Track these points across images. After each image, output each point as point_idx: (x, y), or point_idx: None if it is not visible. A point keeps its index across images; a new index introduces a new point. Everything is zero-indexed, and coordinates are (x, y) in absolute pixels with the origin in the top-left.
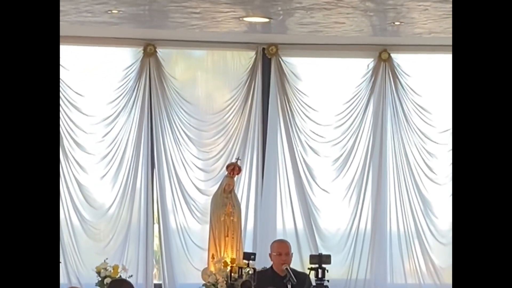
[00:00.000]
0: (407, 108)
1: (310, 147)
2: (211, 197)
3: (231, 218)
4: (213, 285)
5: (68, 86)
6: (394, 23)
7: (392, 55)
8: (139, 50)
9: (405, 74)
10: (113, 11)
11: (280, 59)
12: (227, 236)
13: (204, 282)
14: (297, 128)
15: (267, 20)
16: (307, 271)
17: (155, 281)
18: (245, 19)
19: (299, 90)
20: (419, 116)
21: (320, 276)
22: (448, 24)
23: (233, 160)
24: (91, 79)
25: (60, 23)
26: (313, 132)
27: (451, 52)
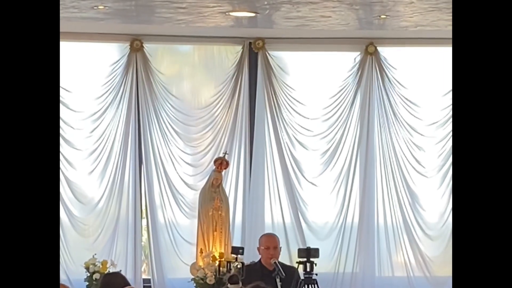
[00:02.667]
0: (394, 101)
1: (298, 141)
2: (199, 191)
3: (219, 212)
4: (202, 279)
5: None
6: (380, 16)
7: (379, 48)
8: (126, 46)
9: (392, 67)
10: (100, 7)
11: (267, 53)
12: (216, 230)
13: (192, 277)
14: (284, 122)
15: (253, 14)
16: (296, 265)
17: (144, 276)
18: (231, 13)
19: (286, 84)
20: (406, 109)
21: (308, 269)
22: (434, 17)
23: (221, 155)
24: (78, 75)
25: None
26: (301, 126)
27: (440, 45)
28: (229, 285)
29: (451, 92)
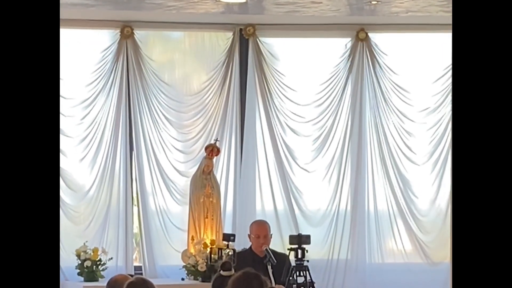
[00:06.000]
0: (385, 87)
1: (289, 127)
2: (190, 178)
3: (211, 199)
4: (193, 266)
5: None
6: (371, 2)
7: (370, 34)
8: (116, 32)
9: (383, 53)
10: None
11: (258, 40)
12: (207, 217)
13: (184, 264)
14: (275, 108)
15: (244, 0)
16: (287, 252)
17: (135, 264)
18: None
19: (277, 71)
20: (397, 95)
21: (299, 256)
22: (424, 2)
23: (212, 141)
24: (69, 62)
25: None
26: (292, 112)
27: (431, 31)
28: (222, 271)
29: (441, 78)
